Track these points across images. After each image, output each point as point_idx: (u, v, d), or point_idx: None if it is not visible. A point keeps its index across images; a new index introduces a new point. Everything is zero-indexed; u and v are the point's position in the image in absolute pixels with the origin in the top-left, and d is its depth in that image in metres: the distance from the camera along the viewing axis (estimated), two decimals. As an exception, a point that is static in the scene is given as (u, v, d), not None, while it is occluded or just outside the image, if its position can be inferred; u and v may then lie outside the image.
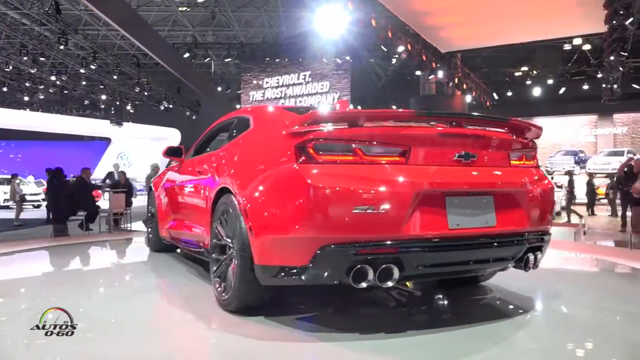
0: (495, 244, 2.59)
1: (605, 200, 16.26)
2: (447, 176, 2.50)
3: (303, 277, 2.39)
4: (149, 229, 5.41)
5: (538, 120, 20.52)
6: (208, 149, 4.29)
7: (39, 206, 17.89)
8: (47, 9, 15.85)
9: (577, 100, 22.58)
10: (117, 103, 26.89)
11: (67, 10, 17.85)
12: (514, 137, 2.80)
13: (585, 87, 21.82)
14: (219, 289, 2.97)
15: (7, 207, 17.73)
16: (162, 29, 20.74)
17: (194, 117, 27.75)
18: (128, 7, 16.44)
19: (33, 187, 19.78)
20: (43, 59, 19.94)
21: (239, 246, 2.67)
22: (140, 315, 3.04)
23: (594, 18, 11.87)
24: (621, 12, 10.94)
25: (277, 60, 21.47)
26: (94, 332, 2.63)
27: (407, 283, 3.63)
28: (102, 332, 2.65)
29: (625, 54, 13.46)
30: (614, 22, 11.31)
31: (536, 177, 2.84)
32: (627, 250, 6.16)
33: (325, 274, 2.36)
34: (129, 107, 27.60)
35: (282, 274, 2.46)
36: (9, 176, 15.90)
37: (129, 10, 16.06)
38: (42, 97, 26.08)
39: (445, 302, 3.32)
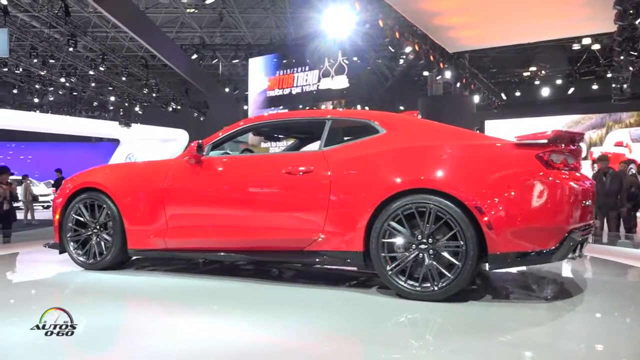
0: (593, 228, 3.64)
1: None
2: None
3: (552, 257, 3.08)
4: (75, 245, 4.24)
5: (546, 120, 20.40)
6: (226, 148, 4.24)
7: (48, 207, 18.02)
8: (56, 12, 16.00)
9: (586, 101, 22.38)
10: (126, 104, 27.04)
11: (76, 12, 17.98)
12: None
13: (595, 87, 21.62)
14: (409, 283, 3.20)
15: (18, 208, 17.89)
16: (170, 31, 20.83)
17: (201, 119, 27.86)
18: (136, 9, 16.56)
19: (43, 188, 19.93)
20: (52, 61, 20.08)
21: (472, 240, 3.06)
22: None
23: (602, 17, 11.78)
24: (631, 11, 10.84)
25: (284, 61, 21.47)
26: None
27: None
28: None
29: (635, 53, 13.34)
30: (624, 21, 11.21)
31: None
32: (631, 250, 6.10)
33: (564, 252, 3.08)
34: (137, 109, 27.77)
35: (525, 257, 3.11)
36: (20, 177, 16.02)
37: (137, 12, 16.18)
38: (51, 98, 26.32)
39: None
